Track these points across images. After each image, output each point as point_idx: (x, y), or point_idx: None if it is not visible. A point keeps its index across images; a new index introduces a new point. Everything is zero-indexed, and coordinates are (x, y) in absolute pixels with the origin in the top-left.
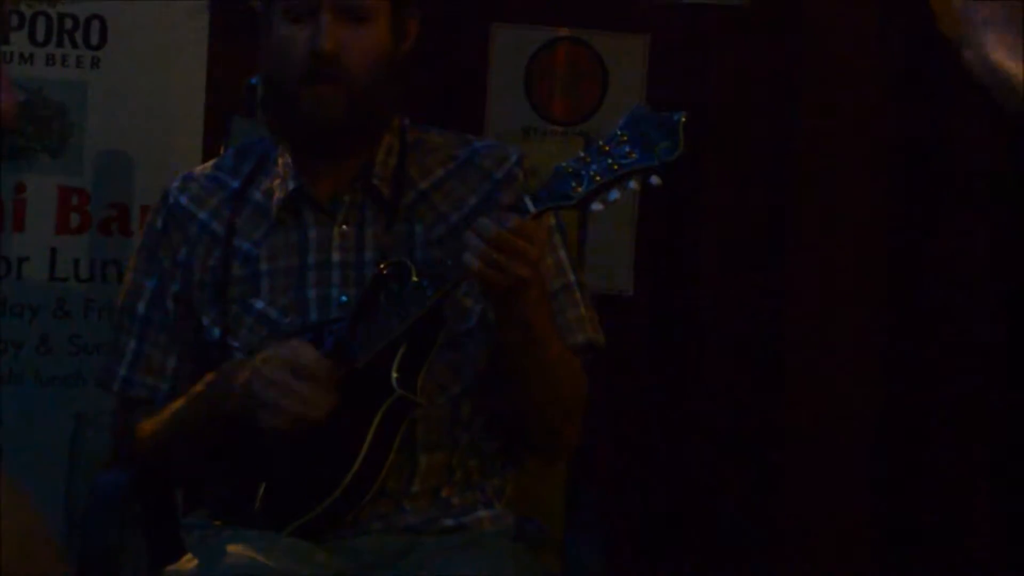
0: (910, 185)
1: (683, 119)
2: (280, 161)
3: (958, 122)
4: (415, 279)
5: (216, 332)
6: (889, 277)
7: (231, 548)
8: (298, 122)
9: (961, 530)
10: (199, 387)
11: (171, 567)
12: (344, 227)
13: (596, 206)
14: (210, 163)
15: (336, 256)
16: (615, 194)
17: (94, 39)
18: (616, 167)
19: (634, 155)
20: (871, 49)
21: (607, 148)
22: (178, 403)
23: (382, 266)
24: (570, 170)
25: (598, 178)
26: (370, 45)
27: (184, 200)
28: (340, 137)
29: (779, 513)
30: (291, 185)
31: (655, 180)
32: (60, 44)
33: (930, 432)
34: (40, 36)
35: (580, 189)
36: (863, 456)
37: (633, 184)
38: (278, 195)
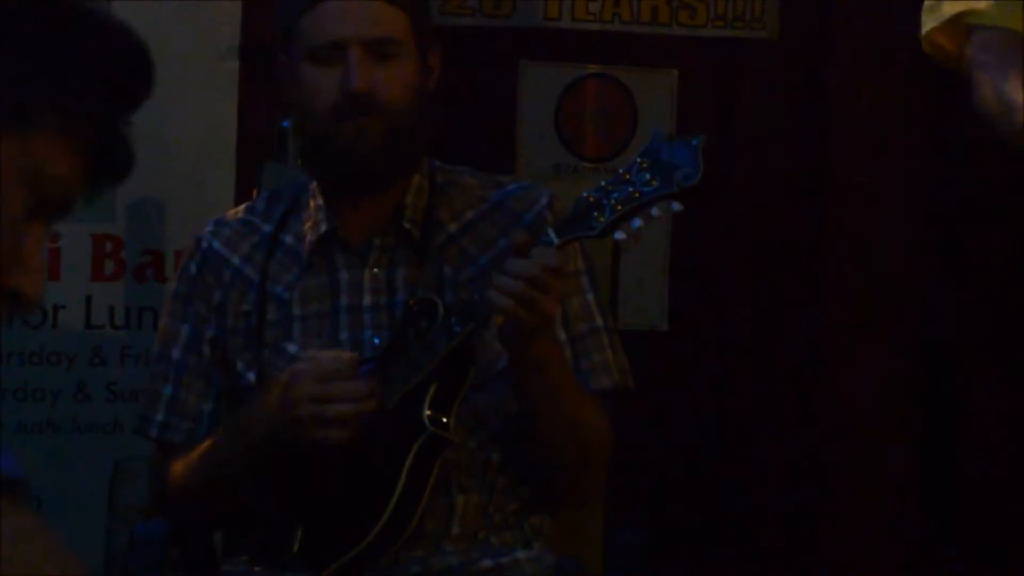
0: (942, 213)
1: (701, 142)
2: (312, 204)
3: (989, 150)
4: (443, 316)
5: (251, 376)
6: (925, 303)
7: None
8: (335, 159)
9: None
10: (224, 429)
11: None
12: (375, 270)
13: (619, 235)
14: (242, 207)
15: (367, 299)
16: (638, 222)
17: None
18: (637, 195)
19: (655, 182)
20: (901, 79)
21: (628, 176)
22: (205, 447)
23: (411, 302)
24: (592, 200)
25: (619, 207)
26: (400, 80)
27: (217, 245)
28: (377, 170)
29: (821, 546)
30: (323, 227)
31: (676, 206)
32: None
33: (968, 491)
34: None
35: (602, 219)
36: (901, 483)
37: (656, 211)
38: (309, 238)
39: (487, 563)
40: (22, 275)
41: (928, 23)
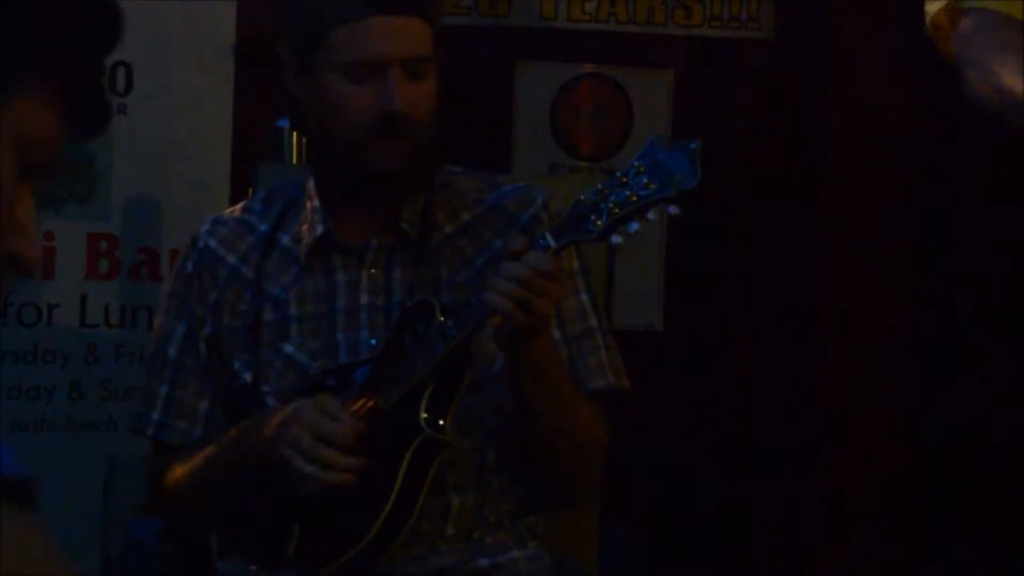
0: (942, 213)
1: (699, 147)
2: (308, 205)
3: (986, 148)
4: (440, 319)
5: (247, 377)
6: (922, 306)
7: None
8: (362, 174)
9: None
10: (227, 439)
11: None
12: (372, 271)
13: (616, 238)
14: (238, 206)
15: (364, 299)
16: (635, 225)
17: (120, 85)
18: (635, 198)
19: (652, 186)
20: (897, 79)
21: (625, 180)
22: (206, 452)
23: (407, 304)
24: (589, 203)
25: (617, 210)
26: (428, 99)
27: (213, 244)
28: (401, 187)
29: (813, 545)
30: (319, 230)
31: (674, 210)
32: None
33: (964, 479)
34: None
35: (600, 222)
36: (899, 483)
37: (652, 215)
38: (306, 240)
39: (483, 562)
40: (19, 239)
41: (935, 5)
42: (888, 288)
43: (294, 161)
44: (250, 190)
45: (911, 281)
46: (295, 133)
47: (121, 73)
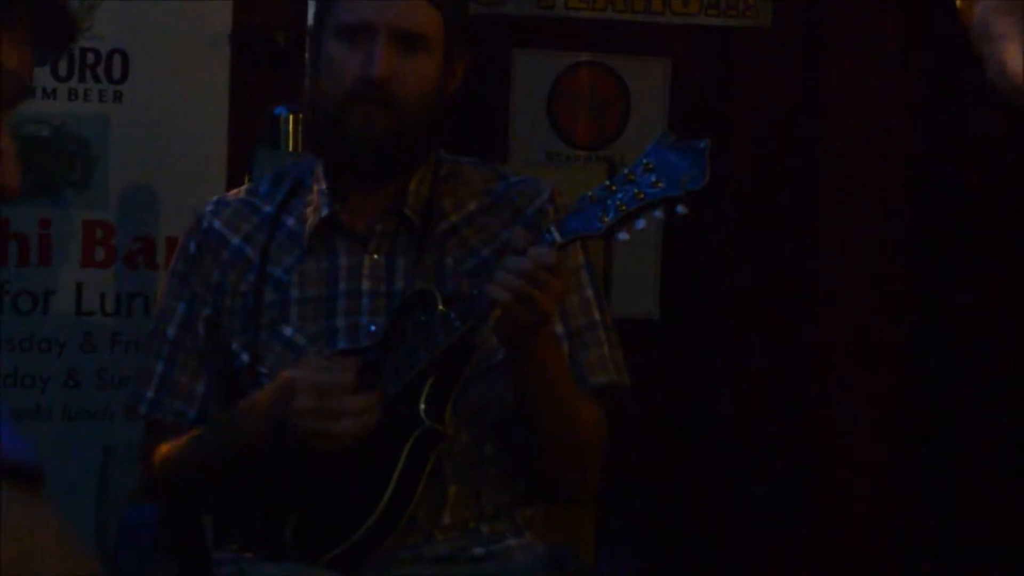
0: (935, 204)
1: (708, 147)
2: (315, 188)
3: (981, 140)
4: (441, 308)
5: (245, 358)
6: (919, 294)
7: None
8: (339, 140)
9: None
10: (216, 425)
11: None
12: (375, 256)
13: (622, 235)
14: (243, 188)
15: (366, 285)
16: (641, 223)
17: (116, 73)
18: (642, 196)
19: (660, 184)
20: (893, 69)
21: (632, 177)
22: (195, 436)
23: (407, 292)
24: (596, 199)
25: (624, 207)
26: (421, 76)
27: (218, 224)
28: (376, 160)
29: (811, 537)
30: (324, 212)
31: (681, 209)
32: (83, 79)
33: (959, 462)
34: (63, 71)
35: (606, 219)
36: (894, 476)
37: (659, 213)
38: (311, 222)
39: (478, 551)
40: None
41: None
42: (888, 274)
43: (290, 148)
44: (247, 177)
45: (912, 267)
46: (292, 120)
47: (117, 61)
